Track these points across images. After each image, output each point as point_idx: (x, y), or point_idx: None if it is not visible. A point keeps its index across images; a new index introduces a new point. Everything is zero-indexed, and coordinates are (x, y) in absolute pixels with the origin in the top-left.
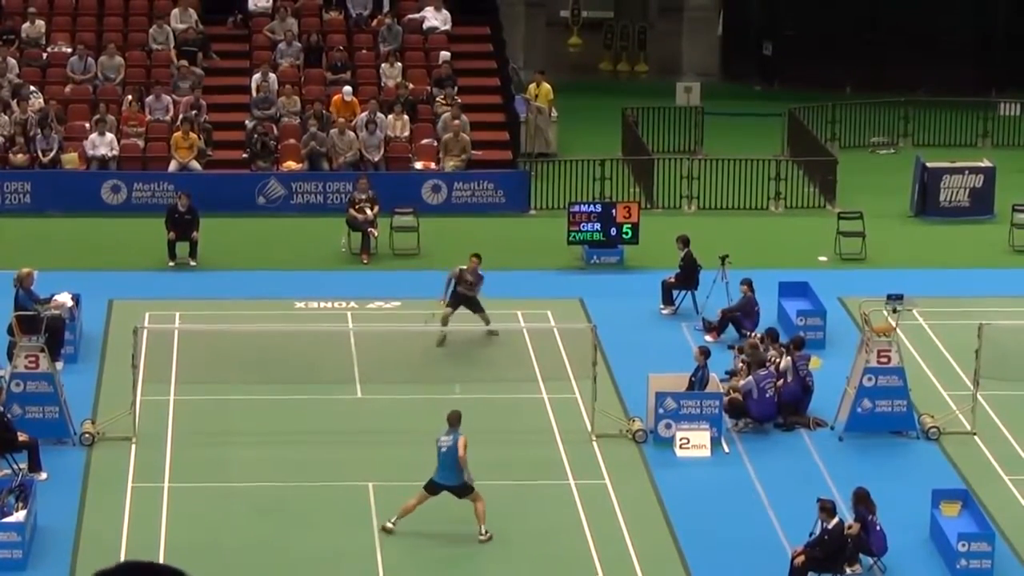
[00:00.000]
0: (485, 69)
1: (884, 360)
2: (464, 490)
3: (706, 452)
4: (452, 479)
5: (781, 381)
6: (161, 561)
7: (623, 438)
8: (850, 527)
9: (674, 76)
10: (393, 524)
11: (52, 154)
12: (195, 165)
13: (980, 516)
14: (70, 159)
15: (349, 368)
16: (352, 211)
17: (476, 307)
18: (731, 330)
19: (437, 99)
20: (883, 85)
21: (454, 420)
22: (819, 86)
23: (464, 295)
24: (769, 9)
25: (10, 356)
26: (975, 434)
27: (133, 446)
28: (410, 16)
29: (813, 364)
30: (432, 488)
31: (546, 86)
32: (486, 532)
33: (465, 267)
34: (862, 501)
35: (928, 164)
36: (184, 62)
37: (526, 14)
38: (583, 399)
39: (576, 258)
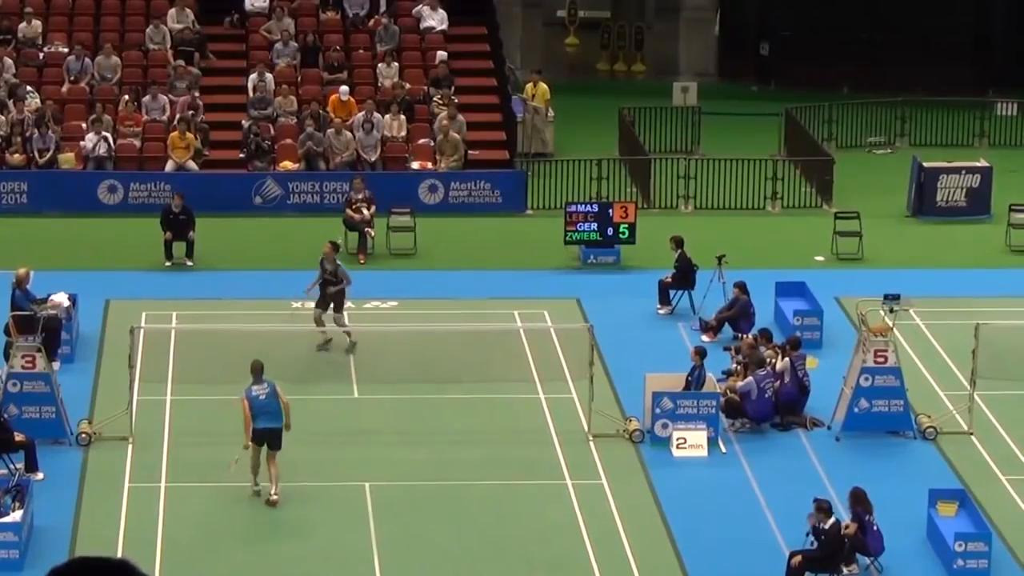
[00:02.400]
0: (482, 69)
1: (881, 360)
2: (279, 439)
3: (703, 452)
4: (276, 422)
5: (779, 382)
6: (158, 558)
7: (620, 438)
8: (847, 527)
9: (671, 76)
10: (275, 495)
11: (49, 154)
12: (192, 165)
13: (977, 516)
14: (67, 159)
15: (346, 368)
16: (349, 211)
17: (340, 304)
18: (727, 330)
19: (434, 99)
20: (880, 85)
21: (258, 369)
22: (816, 86)
23: (330, 284)
24: (766, 9)
25: (7, 356)
26: (972, 434)
27: (130, 446)
28: (407, 16)
29: (809, 364)
30: (258, 437)
31: (543, 86)
32: (277, 495)
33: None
34: (859, 501)
35: (925, 164)
36: (181, 62)
37: (523, 14)
38: (580, 399)
39: (573, 258)
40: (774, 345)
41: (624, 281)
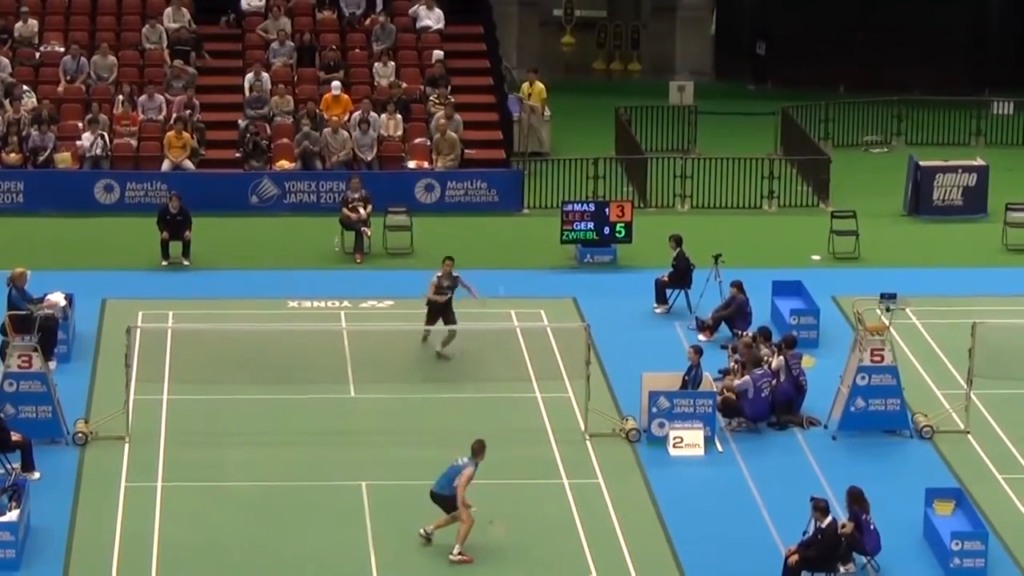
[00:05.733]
0: (478, 68)
1: (877, 359)
2: (450, 504)
3: (699, 451)
4: (442, 489)
5: (775, 381)
6: (155, 557)
7: (616, 437)
8: (844, 526)
9: (667, 75)
10: (429, 532)
11: (45, 154)
12: (188, 164)
13: (973, 515)
14: (63, 159)
15: (342, 367)
16: (345, 210)
17: (449, 317)
18: (724, 329)
19: (430, 98)
20: (876, 84)
21: (476, 450)
22: (812, 85)
23: (439, 304)
24: (762, 8)
25: (3, 356)
26: (968, 433)
27: (126, 445)
28: (403, 15)
29: (806, 363)
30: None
31: (539, 85)
32: (458, 553)
33: (440, 273)
34: (856, 500)
35: (921, 163)
36: (178, 61)
37: (519, 13)
38: (576, 398)
39: (569, 257)
40: (772, 344)
41: (620, 280)
